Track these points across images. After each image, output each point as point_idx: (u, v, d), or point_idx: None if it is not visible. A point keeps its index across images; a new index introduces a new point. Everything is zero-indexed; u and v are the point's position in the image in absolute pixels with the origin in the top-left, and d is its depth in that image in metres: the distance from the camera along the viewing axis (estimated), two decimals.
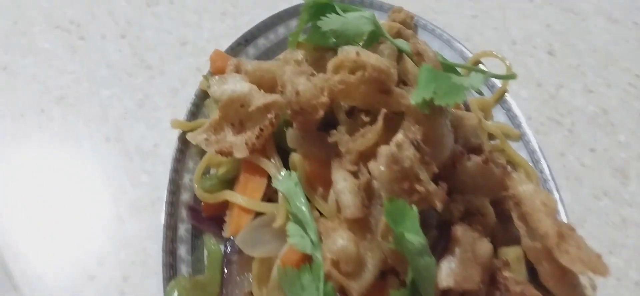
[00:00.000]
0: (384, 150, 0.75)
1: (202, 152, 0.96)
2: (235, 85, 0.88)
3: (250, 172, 0.88)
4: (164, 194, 0.96)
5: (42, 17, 1.29)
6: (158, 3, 1.35)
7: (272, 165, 0.86)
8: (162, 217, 0.90)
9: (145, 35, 1.29)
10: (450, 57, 1.13)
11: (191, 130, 0.97)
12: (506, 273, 0.83)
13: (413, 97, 0.73)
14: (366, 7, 1.13)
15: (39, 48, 1.24)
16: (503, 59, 1.17)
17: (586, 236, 1.10)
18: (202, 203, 0.93)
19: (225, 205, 0.91)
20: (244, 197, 0.85)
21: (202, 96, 1.02)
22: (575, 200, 1.14)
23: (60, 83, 1.19)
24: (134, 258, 1.00)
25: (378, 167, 0.75)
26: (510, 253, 0.87)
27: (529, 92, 1.29)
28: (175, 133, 1.12)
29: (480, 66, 1.12)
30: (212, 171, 0.97)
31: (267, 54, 1.12)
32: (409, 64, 0.94)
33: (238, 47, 1.10)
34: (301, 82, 0.77)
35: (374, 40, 0.86)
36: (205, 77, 1.00)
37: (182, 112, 1.16)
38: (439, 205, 0.76)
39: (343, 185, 0.76)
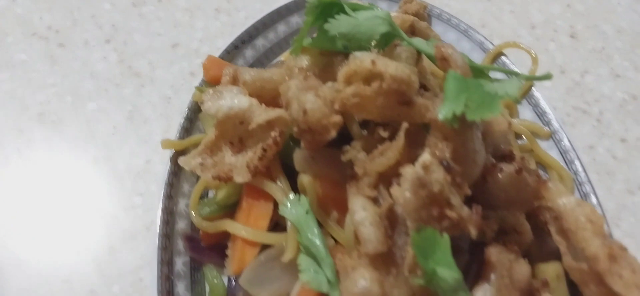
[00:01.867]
0: (408, 173, 0.65)
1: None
2: (232, 100, 0.77)
3: (253, 197, 0.78)
4: (158, 217, 0.87)
5: (17, 24, 1.18)
6: (145, 3, 1.24)
7: (278, 189, 0.76)
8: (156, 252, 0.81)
9: (133, 39, 1.18)
10: (469, 49, 1.02)
11: (184, 150, 0.87)
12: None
13: (441, 112, 0.63)
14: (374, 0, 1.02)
15: (14, 60, 1.13)
16: (529, 51, 1.06)
17: (622, 237, 1.02)
18: (201, 232, 0.83)
19: (227, 233, 0.81)
20: (248, 227, 0.75)
21: (196, 109, 0.92)
22: (608, 196, 1.04)
23: (40, 99, 1.09)
24: (129, 290, 0.90)
25: (403, 193, 0.65)
26: (549, 270, 0.77)
27: (552, 81, 1.18)
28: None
29: (504, 60, 1.01)
30: (211, 193, 0.87)
31: (267, 56, 1.01)
32: (426, 61, 0.84)
33: (234, 51, 0.99)
34: (309, 99, 0.66)
35: (388, 41, 0.75)
36: (199, 89, 0.90)
37: (175, 123, 1.06)
38: (473, 232, 0.66)
39: (362, 216, 0.66)
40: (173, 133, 1.03)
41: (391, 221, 0.69)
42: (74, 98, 1.09)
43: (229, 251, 0.78)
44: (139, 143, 1.05)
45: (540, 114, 0.98)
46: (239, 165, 0.78)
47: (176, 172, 0.86)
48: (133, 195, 0.99)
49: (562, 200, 0.75)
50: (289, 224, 0.73)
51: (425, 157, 0.65)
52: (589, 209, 0.73)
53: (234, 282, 0.77)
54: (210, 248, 0.83)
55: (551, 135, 0.95)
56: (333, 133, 0.68)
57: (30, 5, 1.20)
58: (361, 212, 0.67)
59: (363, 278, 0.63)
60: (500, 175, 0.77)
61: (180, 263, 0.80)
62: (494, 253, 0.72)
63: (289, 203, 0.73)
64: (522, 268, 0.73)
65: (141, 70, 1.13)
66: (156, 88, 1.11)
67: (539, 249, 0.82)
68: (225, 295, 0.77)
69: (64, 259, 0.93)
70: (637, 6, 1.31)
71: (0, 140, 1.04)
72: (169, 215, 0.82)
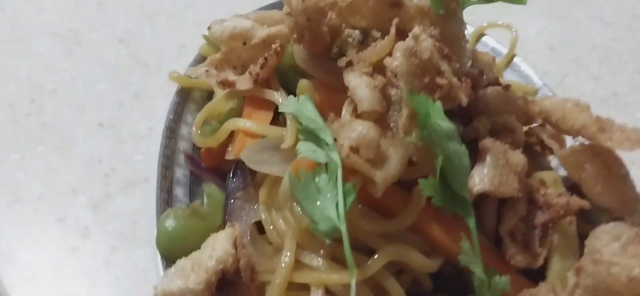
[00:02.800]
0: (400, 45, 0.70)
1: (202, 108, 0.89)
2: (236, 22, 0.84)
3: (253, 107, 0.81)
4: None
5: (39, 25, 1.28)
6: (158, 14, 1.34)
7: (278, 94, 0.79)
8: (156, 165, 0.82)
9: (144, 40, 1.27)
10: None
11: (191, 87, 0.92)
12: (545, 191, 0.74)
13: None
14: None
15: (34, 53, 1.21)
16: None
17: None
18: (201, 151, 0.85)
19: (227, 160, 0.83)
20: (249, 120, 0.78)
21: (201, 60, 0.97)
22: None
23: (54, 79, 1.15)
24: (122, 229, 0.89)
25: (395, 60, 0.69)
26: (546, 176, 0.78)
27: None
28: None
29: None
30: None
31: None
32: None
33: None
34: None
35: None
36: (205, 37, 0.96)
37: None
38: (464, 99, 0.69)
39: (358, 81, 0.70)
40: None
41: (385, 97, 0.72)
42: (85, 80, 1.15)
43: (230, 148, 0.79)
44: (143, 116, 1.09)
45: (525, 77, 1.04)
46: (241, 77, 0.82)
47: (181, 103, 0.89)
48: (134, 153, 1.02)
49: (549, 101, 0.79)
50: (288, 117, 0.76)
51: (415, 30, 0.71)
52: (574, 100, 0.76)
53: (233, 183, 0.77)
54: (209, 170, 0.84)
55: (536, 91, 1.01)
56: (332, 21, 0.74)
57: (53, 13, 1.31)
58: (357, 79, 0.70)
59: (360, 125, 0.65)
60: (488, 90, 0.82)
61: (181, 173, 0.81)
62: (489, 141, 0.74)
63: (288, 100, 0.76)
64: (517, 156, 0.74)
65: (149, 62, 1.21)
66: (163, 76, 1.17)
67: (534, 168, 0.83)
68: (223, 202, 0.77)
69: (60, 201, 0.93)
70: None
71: (12, 106, 1.07)
72: (172, 133, 0.84)
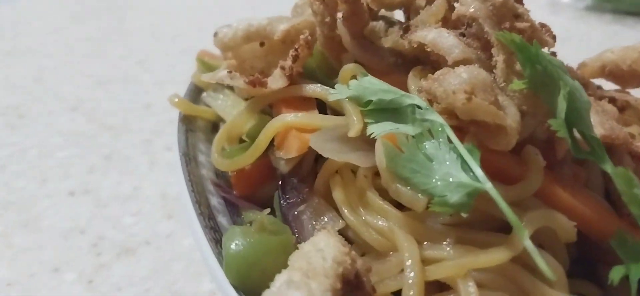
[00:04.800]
0: None
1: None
2: (250, 20, 0.71)
3: (290, 111, 0.66)
4: (157, 230, 0.70)
5: None
6: (109, 81, 1.17)
7: (320, 87, 0.66)
8: (185, 194, 0.62)
9: (100, 106, 1.08)
10: None
11: (194, 115, 0.75)
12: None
13: None
14: None
15: None
16: None
17: None
18: (232, 178, 0.67)
19: (265, 175, 0.66)
20: (301, 113, 0.63)
21: (197, 92, 0.81)
22: None
23: (2, 154, 0.92)
24: None
25: (469, 7, 0.60)
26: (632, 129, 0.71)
27: None
28: (160, 175, 0.88)
29: None
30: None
31: None
32: None
33: None
34: None
35: None
36: (200, 61, 0.81)
37: (161, 159, 0.93)
38: (552, 42, 0.61)
39: (435, 33, 0.59)
40: (160, 167, 0.90)
41: None
42: (41, 150, 0.93)
43: (282, 147, 0.62)
44: (122, 175, 0.89)
45: None
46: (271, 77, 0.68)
47: (190, 130, 0.72)
48: (123, 215, 0.80)
49: (609, 52, 0.73)
50: (345, 104, 0.62)
51: None
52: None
53: (289, 199, 0.61)
54: (245, 199, 0.66)
55: None
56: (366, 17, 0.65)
57: None
58: (433, 31, 0.59)
59: (464, 69, 0.53)
60: None
61: (216, 201, 0.62)
62: None
63: (338, 88, 0.63)
64: (607, 105, 0.67)
65: (115, 124, 1.02)
66: (135, 135, 1.00)
67: None
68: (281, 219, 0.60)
69: (38, 283, 0.68)
70: None
71: None
72: (189, 159, 0.66)
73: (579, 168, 0.61)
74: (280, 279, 0.44)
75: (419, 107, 0.56)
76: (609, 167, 0.53)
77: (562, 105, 0.54)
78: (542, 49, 0.61)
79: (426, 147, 0.53)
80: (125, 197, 0.83)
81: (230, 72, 0.67)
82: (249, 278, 0.49)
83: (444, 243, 0.52)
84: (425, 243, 0.52)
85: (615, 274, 0.51)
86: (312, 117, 0.63)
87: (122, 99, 1.09)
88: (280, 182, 0.64)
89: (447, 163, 0.51)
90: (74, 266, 0.70)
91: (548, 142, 0.60)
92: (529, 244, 0.45)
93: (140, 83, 1.11)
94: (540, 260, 0.44)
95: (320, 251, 0.45)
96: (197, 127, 0.76)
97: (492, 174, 0.56)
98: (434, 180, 0.50)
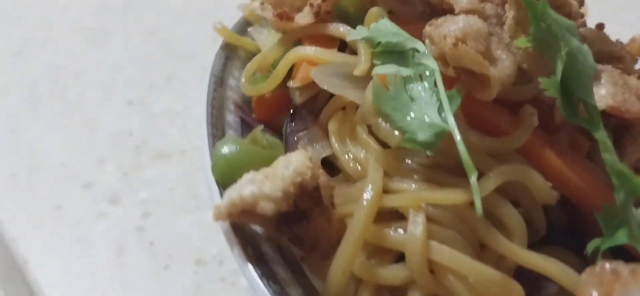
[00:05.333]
0: None
1: None
2: None
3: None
4: (195, 143, 0.78)
5: (64, 20, 1.21)
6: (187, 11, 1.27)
7: (343, 27, 0.69)
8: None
9: (174, 34, 1.19)
10: None
11: (235, 44, 0.81)
12: None
13: None
14: None
15: (58, 41, 1.13)
16: None
17: None
18: (253, 102, 0.73)
19: (283, 105, 0.72)
20: (315, 47, 0.67)
21: (245, 25, 0.87)
22: None
23: (78, 63, 1.05)
24: (157, 197, 0.76)
25: None
26: None
27: None
28: None
29: None
30: None
31: None
32: None
33: None
34: None
35: None
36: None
37: None
38: (577, 5, 0.59)
39: None
40: None
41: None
42: (111, 68, 1.06)
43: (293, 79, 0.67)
44: (177, 96, 0.98)
45: None
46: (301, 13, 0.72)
47: (228, 56, 0.79)
48: (168, 127, 0.90)
49: None
50: (359, 45, 0.65)
51: None
52: None
53: (293, 124, 0.65)
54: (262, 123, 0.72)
55: None
56: None
57: (78, 12, 1.24)
58: None
59: (462, 18, 0.54)
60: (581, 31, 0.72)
61: (231, 119, 0.69)
62: (599, 65, 0.63)
63: (359, 28, 0.66)
64: (633, 80, 0.63)
65: (182, 51, 1.12)
66: (197, 62, 1.09)
67: None
68: (282, 142, 0.65)
69: (84, 168, 0.80)
70: None
71: (36, 85, 0.97)
72: (219, 81, 0.73)
73: (583, 137, 0.59)
74: (245, 177, 0.49)
75: (418, 51, 0.58)
76: (599, 135, 0.52)
77: (559, 66, 0.53)
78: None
79: (412, 88, 0.55)
80: (175, 113, 0.93)
81: (262, 3, 0.72)
82: (231, 180, 0.55)
83: (412, 179, 0.54)
84: (395, 177, 0.54)
85: (591, 246, 0.50)
86: (324, 52, 0.67)
87: (193, 30, 1.18)
88: (291, 111, 0.69)
89: (427, 105, 0.53)
90: (115, 160, 0.81)
91: (553, 106, 0.59)
92: (474, 182, 0.46)
93: (214, 17, 1.20)
94: (478, 195, 0.45)
95: (287, 161, 0.50)
96: (236, 56, 0.82)
97: (480, 125, 0.57)
98: (409, 119, 0.53)
